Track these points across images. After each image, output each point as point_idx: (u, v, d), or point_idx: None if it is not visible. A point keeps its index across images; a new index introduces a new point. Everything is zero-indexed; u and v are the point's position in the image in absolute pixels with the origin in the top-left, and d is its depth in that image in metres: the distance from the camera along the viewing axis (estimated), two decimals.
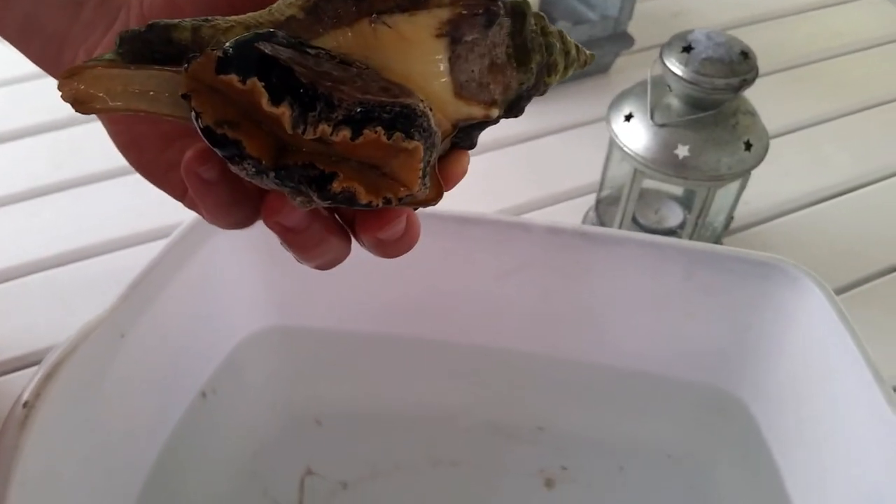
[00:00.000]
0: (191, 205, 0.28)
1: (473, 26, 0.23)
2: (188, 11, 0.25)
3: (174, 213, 0.48)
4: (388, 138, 0.21)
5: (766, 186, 0.71)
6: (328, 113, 0.21)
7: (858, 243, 0.69)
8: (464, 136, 0.24)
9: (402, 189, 0.22)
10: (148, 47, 0.22)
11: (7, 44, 0.29)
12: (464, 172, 0.25)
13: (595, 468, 0.50)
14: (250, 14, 0.23)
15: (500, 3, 0.23)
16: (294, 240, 0.24)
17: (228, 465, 0.49)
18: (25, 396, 0.37)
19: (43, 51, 0.28)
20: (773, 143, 0.60)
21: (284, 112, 0.20)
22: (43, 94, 0.79)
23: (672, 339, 0.51)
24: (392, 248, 0.25)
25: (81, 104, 0.22)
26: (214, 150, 0.21)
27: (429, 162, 0.22)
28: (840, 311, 0.43)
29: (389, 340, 0.54)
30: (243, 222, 0.25)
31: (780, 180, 0.73)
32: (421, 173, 0.21)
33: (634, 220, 0.67)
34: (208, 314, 0.50)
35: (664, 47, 0.57)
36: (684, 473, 0.49)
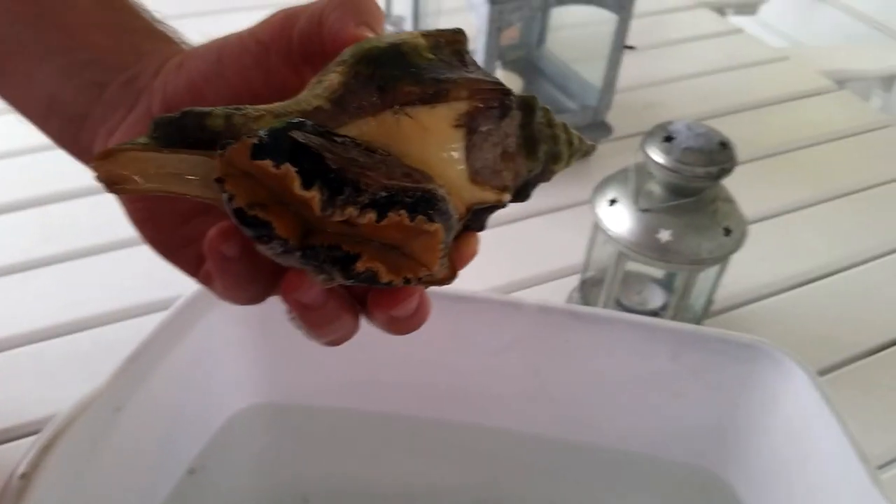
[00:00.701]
0: (204, 280, 0.29)
1: (489, 118, 0.24)
2: (210, 98, 0.26)
3: (163, 289, 0.49)
4: (411, 221, 0.22)
5: (743, 270, 0.73)
6: (355, 197, 0.22)
7: (835, 327, 0.71)
8: (475, 219, 0.26)
9: (422, 269, 0.23)
10: (181, 133, 0.23)
11: (20, 119, 0.30)
12: (474, 253, 0.26)
13: None
14: (278, 104, 0.24)
15: (512, 97, 0.25)
16: (310, 317, 0.25)
17: None
18: (22, 468, 0.37)
19: (62, 129, 0.29)
20: (750, 228, 0.62)
21: (315, 196, 0.21)
22: (33, 167, 0.80)
23: (659, 420, 0.52)
24: (403, 325, 0.26)
25: (115, 185, 0.23)
26: (244, 230, 0.22)
27: (447, 243, 0.23)
28: (824, 393, 0.44)
29: (379, 418, 0.54)
30: (256, 298, 0.26)
31: (758, 265, 0.76)
32: (441, 254, 0.23)
33: (618, 301, 0.68)
34: (200, 390, 0.50)
35: (646, 137, 0.59)
36: None
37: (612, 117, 0.86)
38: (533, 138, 0.26)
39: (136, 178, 0.23)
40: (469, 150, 0.24)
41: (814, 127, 0.98)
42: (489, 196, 0.25)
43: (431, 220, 0.22)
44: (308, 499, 0.51)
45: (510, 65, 0.95)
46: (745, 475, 0.50)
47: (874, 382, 0.66)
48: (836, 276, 0.76)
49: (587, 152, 0.29)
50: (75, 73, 0.28)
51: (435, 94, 0.24)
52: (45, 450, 0.38)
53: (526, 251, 0.76)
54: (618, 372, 0.51)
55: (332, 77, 0.24)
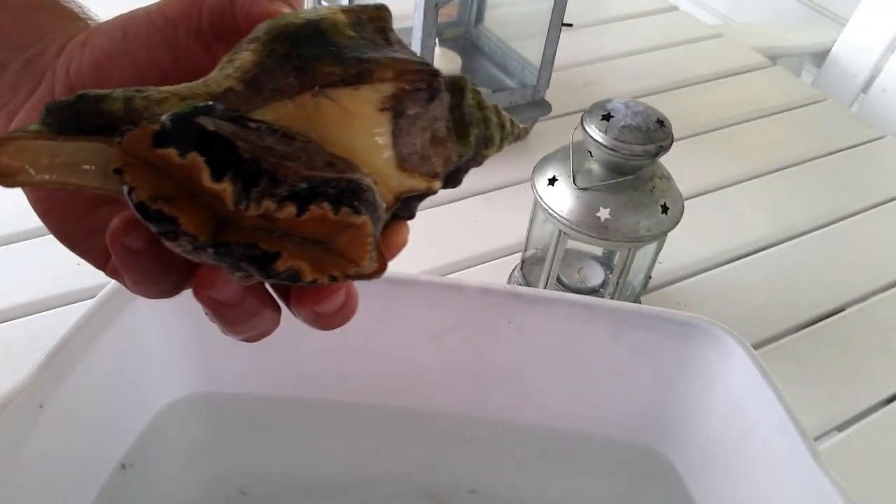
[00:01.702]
0: (112, 274, 0.27)
1: (416, 101, 0.23)
2: (116, 77, 0.24)
3: (89, 277, 0.47)
4: (335, 214, 0.20)
5: (680, 246, 0.74)
6: (272, 189, 0.20)
7: (770, 301, 0.72)
8: (404, 207, 0.24)
9: (350, 265, 0.21)
10: (76, 118, 0.21)
11: None
12: (404, 243, 0.25)
13: None
14: (185, 85, 0.22)
15: (440, 78, 0.24)
16: (226, 314, 0.24)
17: None
18: None
19: None
20: (686, 203, 0.62)
21: (226, 188, 0.19)
22: None
23: (600, 399, 0.52)
24: (330, 320, 0.24)
25: (4, 177, 0.20)
26: (149, 225, 0.20)
27: (375, 236, 0.22)
28: (762, 368, 0.45)
29: (317, 405, 0.53)
30: (169, 292, 0.24)
31: (693, 240, 0.76)
32: (370, 248, 0.21)
33: (559, 279, 0.68)
34: (129, 382, 0.48)
35: (585, 115, 0.59)
36: None
37: (550, 95, 0.86)
38: (463, 122, 0.25)
39: (28, 169, 0.20)
40: (396, 135, 0.23)
41: (748, 103, 0.99)
42: (418, 184, 0.23)
43: (357, 212, 0.21)
44: (246, 491, 0.50)
45: (448, 43, 0.93)
46: (685, 452, 0.51)
47: (808, 355, 0.67)
48: (769, 251, 0.77)
49: (519, 136, 0.28)
50: None
51: (358, 75, 0.22)
52: None
53: (466, 231, 0.75)
54: (560, 352, 0.51)
55: (244, 56, 0.22)
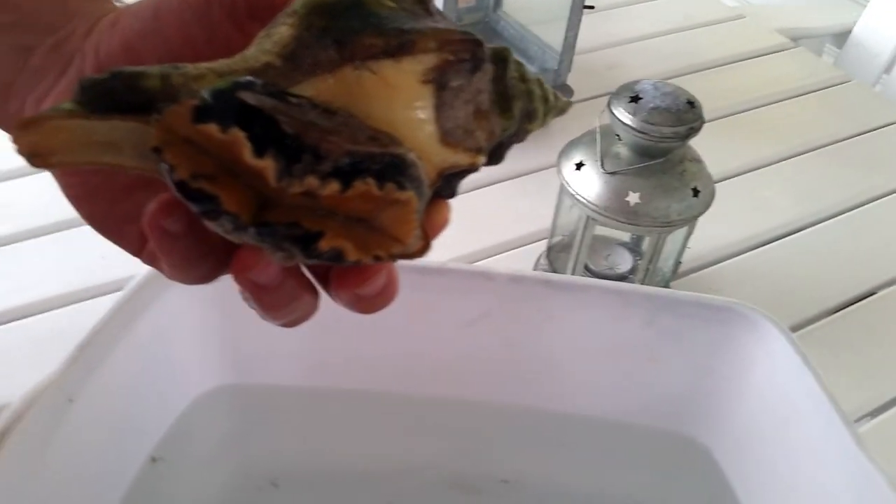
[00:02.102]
0: (149, 259, 0.27)
1: (459, 72, 0.22)
2: (147, 58, 0.23)
3: (116, 270, 0.47)
4: (380, 189, 0.19)
5: (709, 230, 0.73)
6: (315, 165, 0.19)
7: (801, 284, 0.71)
8: (445, 185, 0.23)
9: (394, 244, 0.20)
10: (111, 96, 0.20)
11: None
12: (446, 222, 0.24)
13: None
14: (222, 61, 0.21)
15: (484, 48, 0.23)
16: (265, 298, 0.23)
17: None
18: None
19: None
20: (714, 186, 0.61)
21: (269, 165, 0.19)
22: None
23: (634, 386, 0.51)
24: (370, 303, 0.24)
25: (39, 157, 0.20)
26: (189, 205, 0.19)
27: (420, 213, 0.21)
28: (801, 353, 0.44)
29: (348, 395, 0.52)
30: (207, 277, 0.24)
31: (723, 224, 0.75)
32: (415, 225, 0.20)
33: (586, 266, 0.67)
34: (159, 374, 0.48)
35: (612, 97, 0.58)
36: None
37: (572, 79, 0.85)
38: (507, 94, 0.24)
39: (62, 148, 0.20)
40: (439, 108, 0.22)
41: (772, 84, 0.97)
42: (462, 159, 0.22)
43: (402, 187, 0.20)
44: (277, 482, 0.49)
45: (467, 28, 0.92)
46: (722, 439, 0.50)
47: (839, 339, 0.66)
48: (800, 234, 0.76)
49: (563, 110, 0.27)
50: None
51: (400, 46, 0.21)
52: None
53: (490, 219, 0.74)
54: (592, 339, 0.50)
55: (281, 30, 0.21)
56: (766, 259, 0.73)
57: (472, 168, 0.23)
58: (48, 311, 0.61)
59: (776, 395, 0.46)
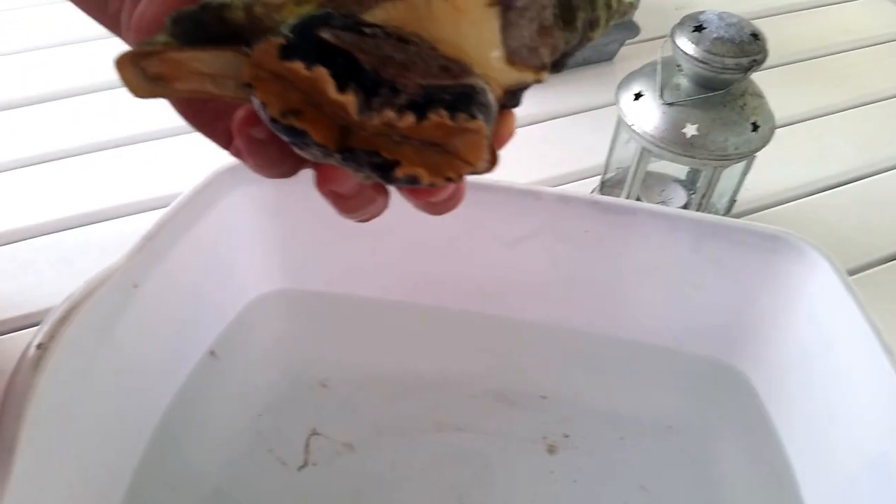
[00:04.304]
0: (236, 154, 0.29)
1: None
2: None
3: (181, 182, 0.49)
4: (452, 120, 0.21)
5: (768, 174, 0.72)
6: (392, 98, 0.21)
7: (859, 230, 0.70)
8: (511, 98, 0.24)
9: (465, 167, 0.22)
10: (201, 28, 0.22)
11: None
12: (511, 133, 0.25)
13: (597, 437, 0.50)
14: None
15: None
16: (344, 204, 0.25)
17: (234, 424, 0.49)
18: (39, 338, 0.37)
19: None
20: (777, 132, 0.60)
21: (350, 99, 0.20)
22: (51, 63, 0.79)
23: (678, 312, 0.51)
24: (441, 206, 0.26)
25: (163, 82, 0.22)
26: (280, 135, 0.21)
27: (489, 137, 0.22)
28: (847, 283, 0.44)
29: (397, 307, 0.54)
30: (288, 173, 0.26)
31: (783, 169, 0.74)
32: (485, 150, 0.22)
33: (639, 200, 0.67)
34: (219, 273, 0.50)
35: (675, 27, 0.57)
36: (685, 444, 0.50)
37: (640, 17, 0.83)
38: (570, 6, 0.24)
39: (165, 80, 0.22)
40: (505, 29, 0.22)
41: (847, 33, 0.95)
42: (527, 77, 0.23)
43: (473, 116, 0.21)
44: (326, 383, 0.52)
45: None
46: (762, 367, 0.50)
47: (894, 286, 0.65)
48: (861, 182, 0.75)
49: (625, 13, 0.27)
50: None
51: None
52: (62, 321, 0.38)
53: (544, 153, 0.74)
54: (638, 263, 0.50)
55: None
56: (824, 204, 0.72)
57: (537, 83, 0.24)
58: (112, 218, 0.64)
59: (819, 325, 0.46)
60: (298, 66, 0.20)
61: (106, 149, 0.70)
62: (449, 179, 0.22)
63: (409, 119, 0.21)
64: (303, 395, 0.51)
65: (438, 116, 0.21)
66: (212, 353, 0.50)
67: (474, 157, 0.22)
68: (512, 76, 0.23)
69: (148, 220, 0.62)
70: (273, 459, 0.48)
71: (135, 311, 0.43)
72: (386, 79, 0.21)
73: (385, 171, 0.22)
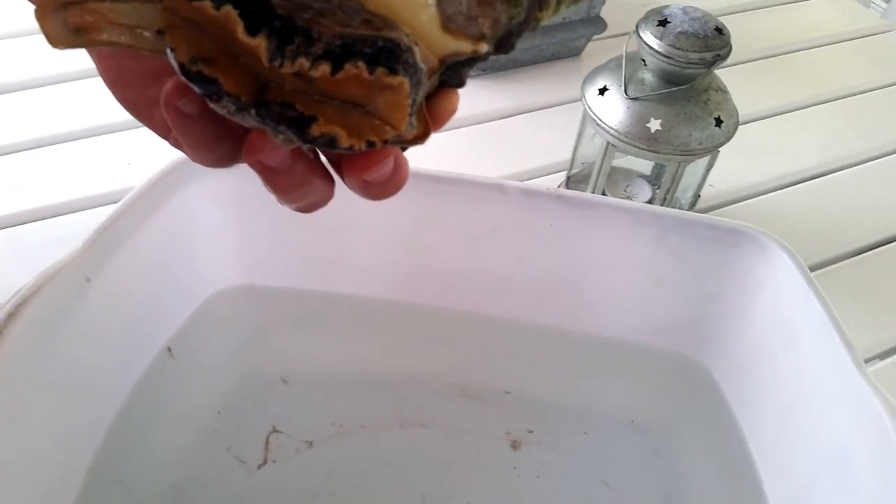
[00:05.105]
0: (175, 143, 0.28)
1: None
2: None
3: (142, 175, 0.48)
4: (371, 74, 0.20)
5: (733, 170, 0.72)
6: (307, 47, 0.20)
7: (822, 226, 0.70)
8: (452, 74, 0.23)
9: (387, 129, 0.21)
10: None
11: None
12: (453, 111, 0.24)
13: (560, 432, 0.50)
14: None
15: None
16: (276, 180, 0.24)
17: (192, 421, 0.48)
18: None
19: None
20: (741, 129, 0.60)
21: (261, 44, 0.19)
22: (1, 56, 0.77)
23: (640, 306, 0.51)
24: (379, 189, 0.24)
25: (84, 32, 0.21)
26: (193, 86, 0.20)
27: (415, 100, 0.21)
28: (808, 277, 0.44)
29: (358, 301, 0.54)
30: (227, 158, 0.24)
31: (747, 165, 0.75)
32: (408, 111, 0.20)
33: (604, 195, 0.67)
34: (176, 267, 0.49)
35: (640, 21, 0.57)
36: (648, 439, 0.50)
37: (606, 13, 0.83)
38: None
39: (86, 31, 0.21)
40: None
41: (812, 30, 0.95)
42: (464, 46, 0.22)
43: (394, 72, 0.20)
44: (287, 380, 0.51)
45: None
46: (724, 361, 0.50)
47: (858, 281, 0.65)
48: (825, 178, 0.75)
49: None
50: None
51: None
52: (10, 317, 0.37)
53: (510, 148, 0.74)
54: (601, 258, 0.50)
55: None
56: (787, 201, 0.73)
57: (477, 56, 0.23)
58: (67, 213, 0.62)
59: (781, 320, 0.46)
60: (206, 5, 0.19)
61: (64, 141, 0.68)
62: (371, 144, 0.21)
63: (324, 69, 0.19)
64: (263, 392, 0.50)
65: (355, 68, 0.19)
66: (168, 349, 0.49)
67: (397, 119, 0.20)
68: (448, 44, 0.22)
69: (102, 215, 0.62)
70: (231, 458, 0.47)
71: (87, 307, 0.42)
72: (300, 26, 0.19)
73: (300, 126, 0.20)
